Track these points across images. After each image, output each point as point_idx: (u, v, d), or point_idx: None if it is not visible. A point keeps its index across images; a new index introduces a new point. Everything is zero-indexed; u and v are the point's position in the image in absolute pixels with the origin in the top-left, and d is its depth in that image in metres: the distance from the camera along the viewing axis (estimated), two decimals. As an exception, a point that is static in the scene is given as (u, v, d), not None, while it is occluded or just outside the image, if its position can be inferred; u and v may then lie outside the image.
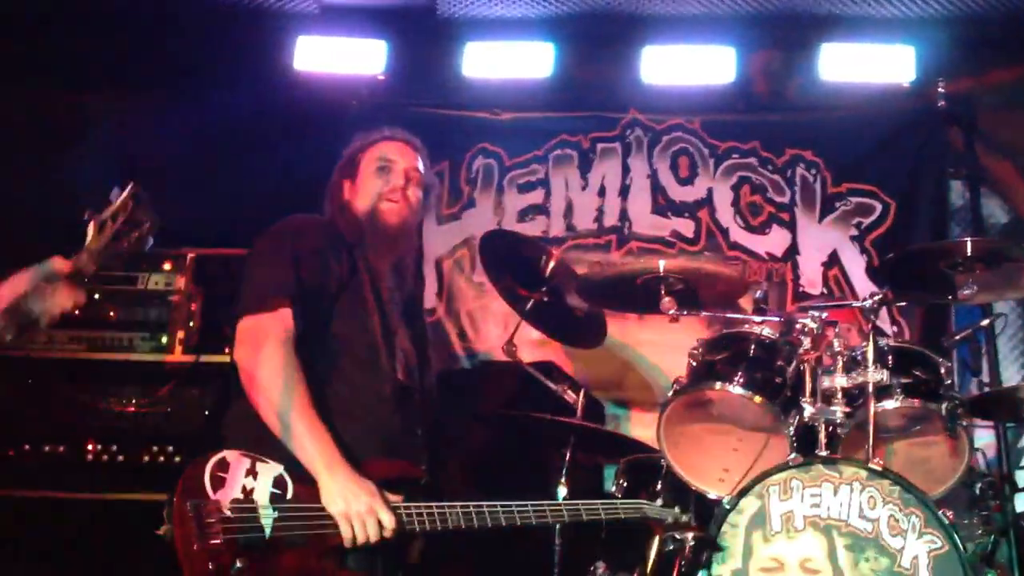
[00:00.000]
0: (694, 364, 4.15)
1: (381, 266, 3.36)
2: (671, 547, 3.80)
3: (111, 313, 4.88)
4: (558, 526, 4.12)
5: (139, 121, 5.90)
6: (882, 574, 3.41)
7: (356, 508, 2.90)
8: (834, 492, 3.51)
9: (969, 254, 3.88)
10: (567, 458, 4.35)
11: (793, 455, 3.74)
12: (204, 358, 4.77)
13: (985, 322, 4.72)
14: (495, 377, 5.31)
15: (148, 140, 5.78)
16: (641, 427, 5.45)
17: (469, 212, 6.30)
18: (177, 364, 4.81)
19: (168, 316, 4.87)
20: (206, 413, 4.69)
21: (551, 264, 4.56)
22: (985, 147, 6.14)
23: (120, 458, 4.70)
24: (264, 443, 2.96)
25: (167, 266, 4.94)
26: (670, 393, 4.11)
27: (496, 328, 6.01)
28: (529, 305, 4.59)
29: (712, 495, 3.95)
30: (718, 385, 3.97)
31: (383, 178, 3.44)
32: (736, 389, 3.92)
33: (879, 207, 6.08)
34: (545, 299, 4.60)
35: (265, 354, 3.01)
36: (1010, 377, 5.65)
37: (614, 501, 3.29)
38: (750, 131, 6.26)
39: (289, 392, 2.98)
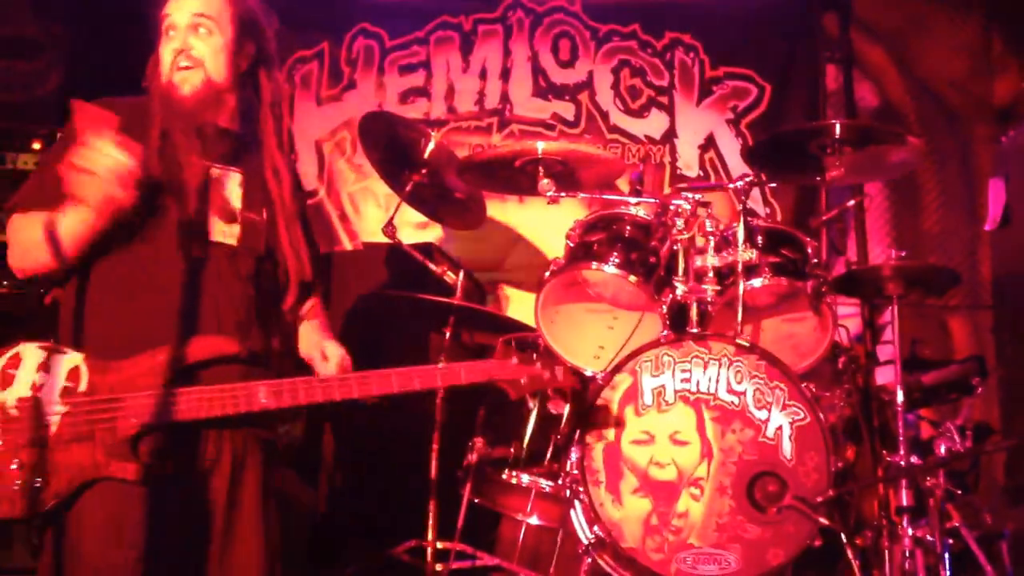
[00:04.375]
0: (571, 245, 4.15)
1: (182, 139, 2.94)
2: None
3: None
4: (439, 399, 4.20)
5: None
6: (747, 444, 3.54)
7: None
8: (703, 368, 3.62)
9: (838, 136, 3.95)
10: (447, 338, 4.41)
11: (665, 332, 3.82)
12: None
13: (852, 203, 4.84)
14: (376, 259, 5.32)
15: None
16: (521, 307, 5.53)
17: (350, 93, 6.23)
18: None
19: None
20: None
21: (430, 146, 4.57)
22: (860, 32, 6.25)
23: None
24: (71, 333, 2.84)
25: None
26: (547, 274, 4.13)
27: (377, 210, 6.01)
28: (409, 187, 4.59)
29: (587, 372, 4.01)
30: (594, 265, 3.97)
31: (170, 44, 2.96)
32: (611, 269, 3.92)
33: (755, 91, 6.17)
34: (425, 181, 4.61)
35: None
36: (877, 256, 5.80)
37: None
38: (630, 13, 6.27)
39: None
